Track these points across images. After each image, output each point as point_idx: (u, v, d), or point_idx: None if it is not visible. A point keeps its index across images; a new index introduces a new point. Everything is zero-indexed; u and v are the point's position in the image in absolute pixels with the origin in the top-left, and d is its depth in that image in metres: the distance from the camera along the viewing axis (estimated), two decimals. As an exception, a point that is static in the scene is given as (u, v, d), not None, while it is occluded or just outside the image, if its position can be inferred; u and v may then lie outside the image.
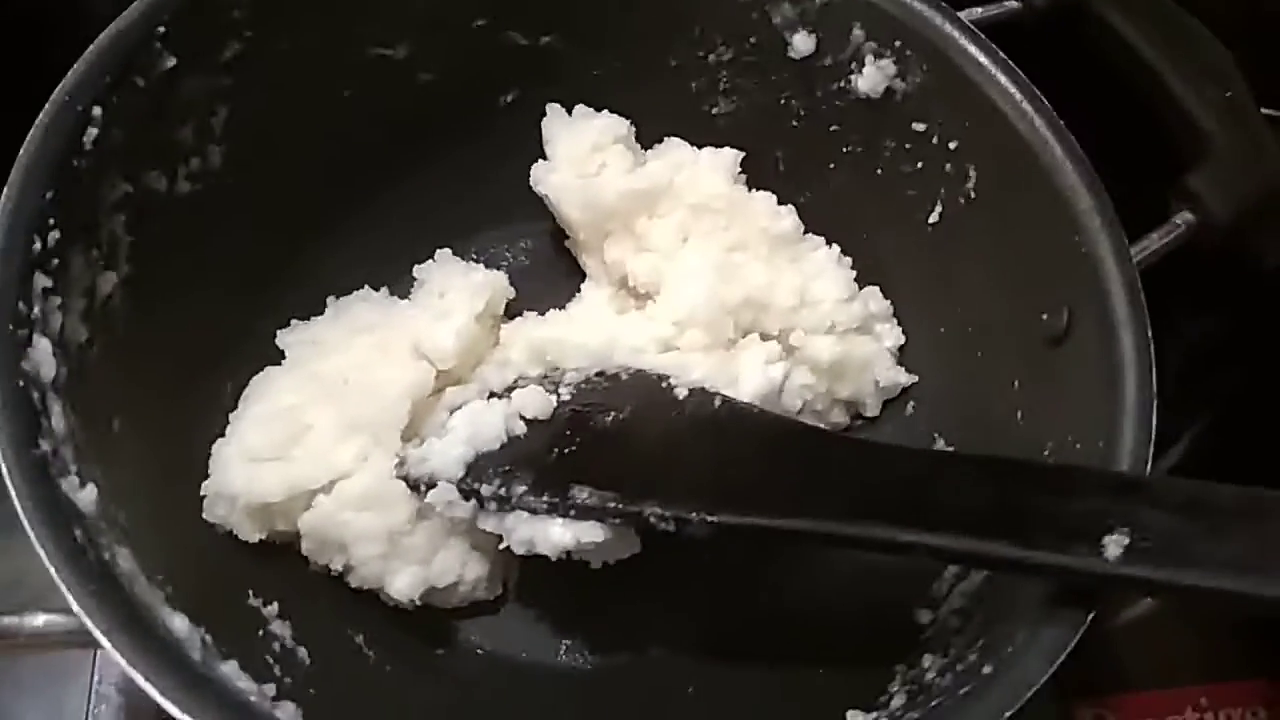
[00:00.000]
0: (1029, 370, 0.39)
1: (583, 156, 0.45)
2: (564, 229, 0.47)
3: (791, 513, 0.33)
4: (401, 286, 0.45)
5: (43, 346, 0.30)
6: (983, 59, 0.41)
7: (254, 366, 0.41)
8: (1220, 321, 0.53)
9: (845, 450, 0.36)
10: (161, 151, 0.37)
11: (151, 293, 0.36)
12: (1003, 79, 0.40)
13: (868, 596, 0.40)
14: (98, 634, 0.25)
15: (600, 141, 0.45)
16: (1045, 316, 0.38)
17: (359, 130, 0.45)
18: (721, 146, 0.46)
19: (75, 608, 0.26)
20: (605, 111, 0.46)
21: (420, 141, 0.47)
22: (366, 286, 0.45)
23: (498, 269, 0.46)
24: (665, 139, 0.47)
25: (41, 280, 0.31)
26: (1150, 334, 0.35)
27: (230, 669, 0.28)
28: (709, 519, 0.34)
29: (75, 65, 0.34)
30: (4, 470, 0.27)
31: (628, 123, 0.46)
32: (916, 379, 0.44)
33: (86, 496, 0.28)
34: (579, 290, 0.47)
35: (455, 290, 0.43)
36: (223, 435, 0.38)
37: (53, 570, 0.26)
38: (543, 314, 0.45)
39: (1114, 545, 0.29)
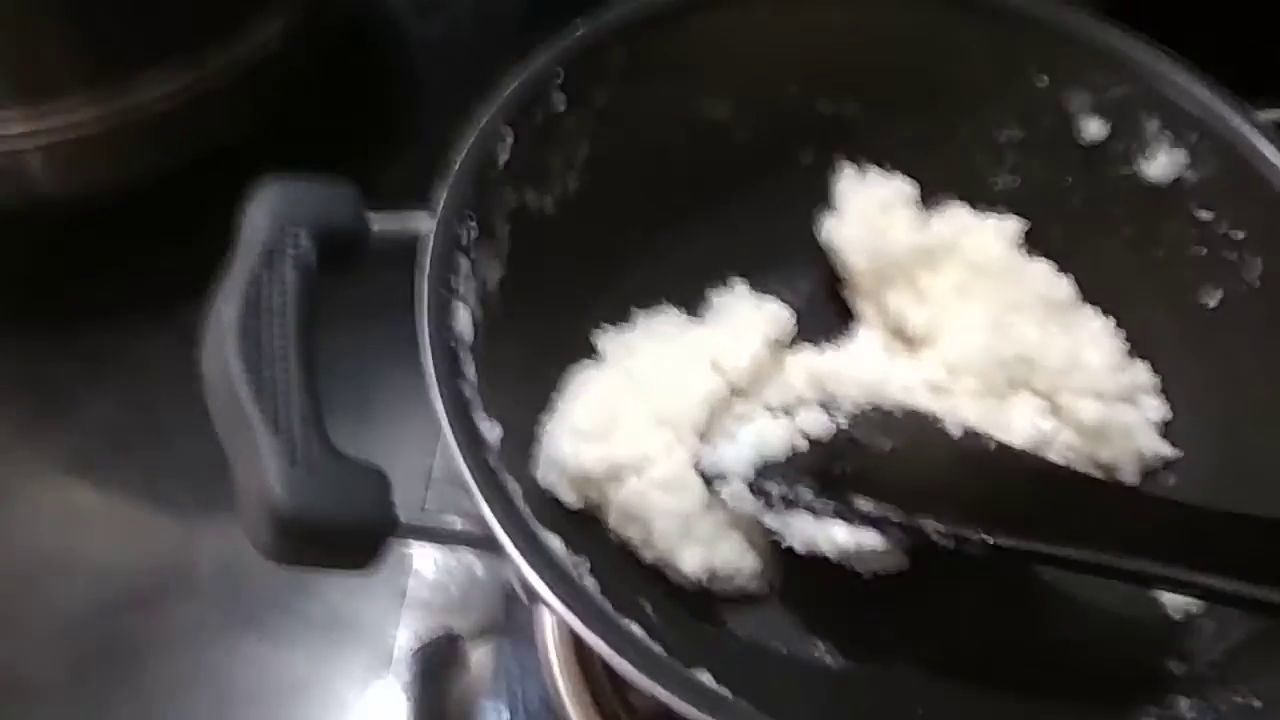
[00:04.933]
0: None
1: (873, 213, 0.50)
2: (839, 276, 0.52)
3: (1068, 542, 0.36)
4: (694, 308, 0.51)
5: (462, 312, 0.37)
6: (1276, 157, 0.43)
7: (574, 360, 0.47)
8: None
9: (1121, 494, 0.39)
10: (540, 175, 0.45)
11: (515, 288, 0.44)
12: (1296, 177, 0.43)
13: (1117, 646, 0.42)
14: (503, 538, 0.32)
15: (890, 201, 0.50)
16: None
17: (679, 173, 0.51)
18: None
19: (488, 518, 0.32)
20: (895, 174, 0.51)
21: (725, 187, 0.53)
22: (666, 303, 0.51)
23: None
24: (946, 204, 0.52)
25: (463, 261, 0.38)
26: None
27: (590, 585, 0.34)
28: (988, 540, 0.37)
29: (498, 98, 0.42)
30: (436, 406, 0.34)
31: (916, 186, 0.51)
32: (1180, 454, 0.46)
33: (493, 433, 0.35)
34: (848, 331, 0.51)
35: (750, 316, 0.49)
36: (551, 413, 0.45)
37: (473, 486, 0.32)
38: (819, 348, 0.50)
39: None
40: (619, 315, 0.50)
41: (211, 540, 0.62)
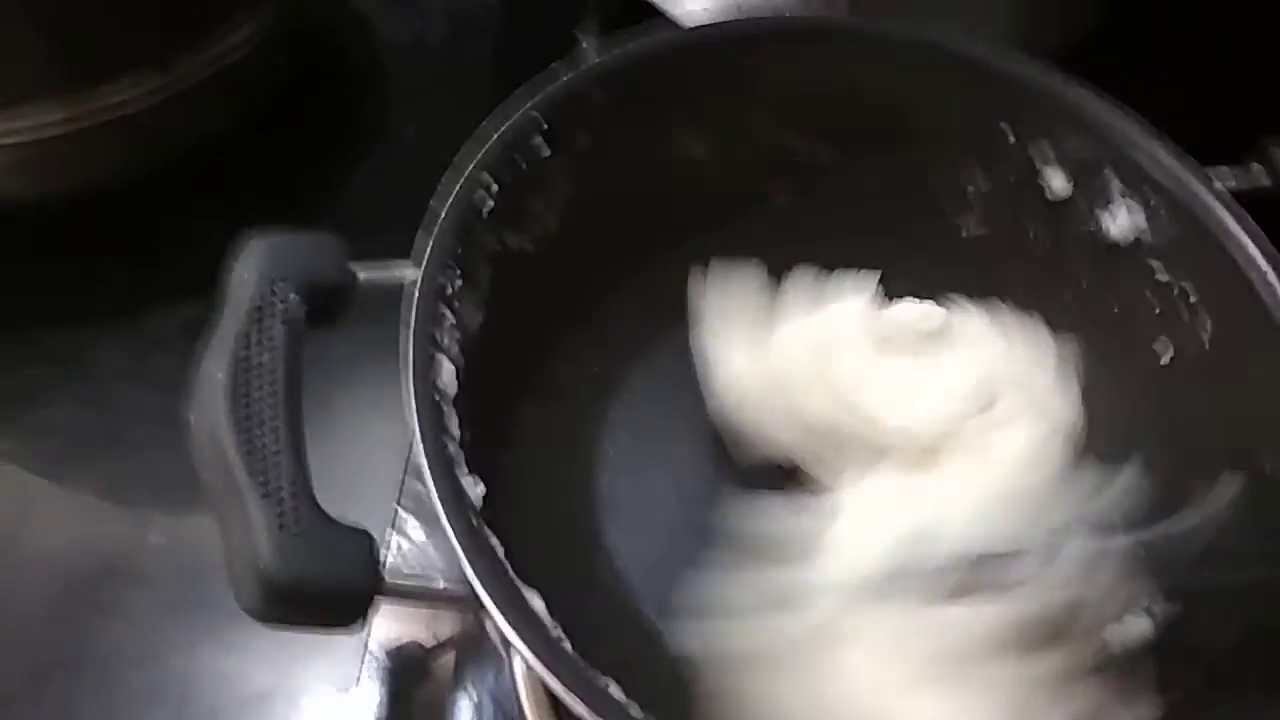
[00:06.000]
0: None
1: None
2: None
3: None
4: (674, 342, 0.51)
5: (446, 367, 0.38)
6: (1232, 224, 0.45)
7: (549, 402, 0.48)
8: None
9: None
10: (522, 218, 0.45)
11: (495, 330, 0.44)
12: (1249, 245, 0.44)
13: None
14: (487, 600, 0.32)
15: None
16: (1267, 466, 0.42)
17: (655, 209, 0.52)
18: (964, 265, 0.51)
19: (469, 576, 0.33)
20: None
21: (696, 223, 0.54)
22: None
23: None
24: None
25: (446, 312, 0.39)
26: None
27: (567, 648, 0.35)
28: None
29: (484, 149, 0.42)
30: (422, 463, 0.35)
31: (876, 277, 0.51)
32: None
33: (475, 490, 0.36)
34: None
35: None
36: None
37: (456, 545, 0.33)
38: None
39: None
40: (595, 345, 0.51)
41: (170, 544, 0.62)
